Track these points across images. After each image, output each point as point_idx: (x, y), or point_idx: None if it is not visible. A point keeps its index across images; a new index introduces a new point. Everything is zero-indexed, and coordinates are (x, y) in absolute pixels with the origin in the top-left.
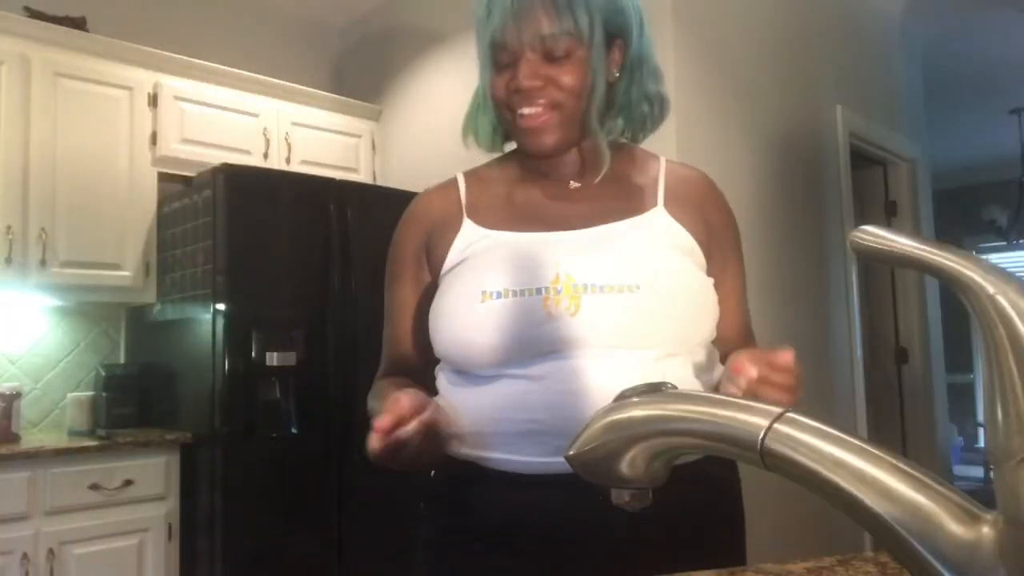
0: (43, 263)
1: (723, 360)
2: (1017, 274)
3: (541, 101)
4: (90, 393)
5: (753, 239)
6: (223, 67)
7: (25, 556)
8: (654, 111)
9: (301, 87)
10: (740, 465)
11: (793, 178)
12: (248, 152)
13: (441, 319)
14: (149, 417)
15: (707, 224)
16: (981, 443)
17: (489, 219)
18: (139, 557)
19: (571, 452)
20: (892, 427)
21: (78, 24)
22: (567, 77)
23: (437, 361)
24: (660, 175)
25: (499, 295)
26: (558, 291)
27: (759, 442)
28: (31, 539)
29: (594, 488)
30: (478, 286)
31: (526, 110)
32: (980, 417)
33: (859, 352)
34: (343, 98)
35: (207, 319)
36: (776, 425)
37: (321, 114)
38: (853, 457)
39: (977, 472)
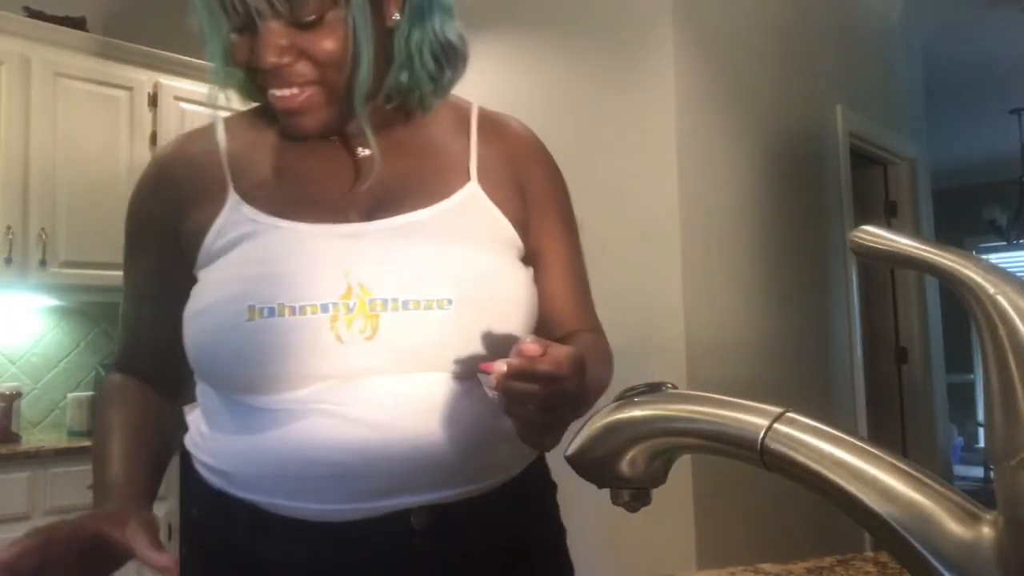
0: (43, 263)
1: None
2: (1017, 274)
3: (299, 79)
4: (90, 393)
5: (753, 239)
6: None
7: None
8: (443, 63)
9: None
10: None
11: (793, 178)
12: None
13: (197, 334)
14: None
15: (523, 192)
16: (981, 443)
17: (260, 195)
18: None
19: (570, 452)
20: (892, 427)
21: (78, 24)
22: (325, 43)
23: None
24: (472, 132)
25: (272, 312)
26: (350, 308)
27: (759, 442)
28: None
29: (395, 537)
30: (244, 298)
31: (277, 92)
32: (980, 417)
33: (859, 352)
34: None
35: None
36: (776, 425)
37: None
38: (853, 457)
39: (977, 472)
